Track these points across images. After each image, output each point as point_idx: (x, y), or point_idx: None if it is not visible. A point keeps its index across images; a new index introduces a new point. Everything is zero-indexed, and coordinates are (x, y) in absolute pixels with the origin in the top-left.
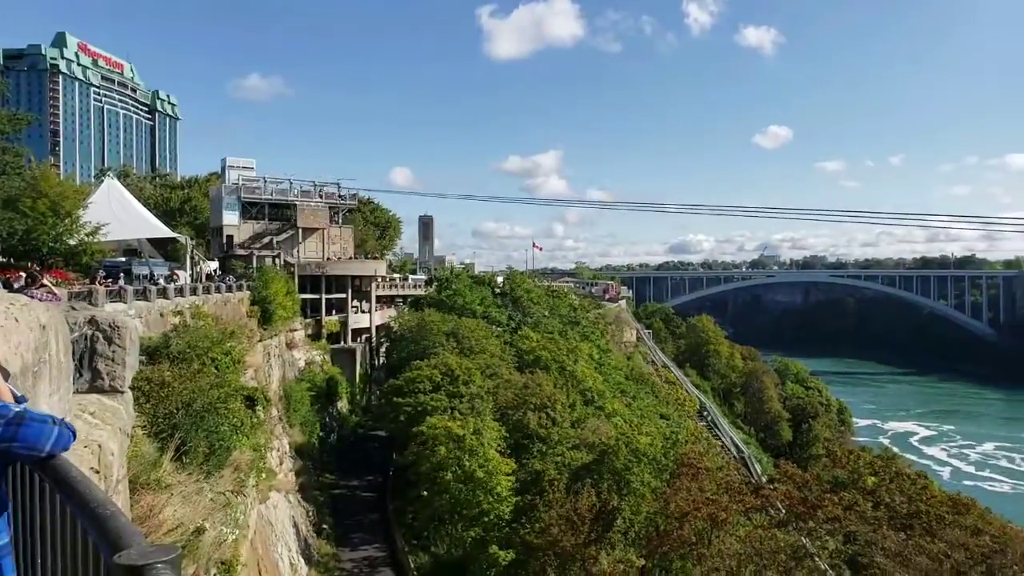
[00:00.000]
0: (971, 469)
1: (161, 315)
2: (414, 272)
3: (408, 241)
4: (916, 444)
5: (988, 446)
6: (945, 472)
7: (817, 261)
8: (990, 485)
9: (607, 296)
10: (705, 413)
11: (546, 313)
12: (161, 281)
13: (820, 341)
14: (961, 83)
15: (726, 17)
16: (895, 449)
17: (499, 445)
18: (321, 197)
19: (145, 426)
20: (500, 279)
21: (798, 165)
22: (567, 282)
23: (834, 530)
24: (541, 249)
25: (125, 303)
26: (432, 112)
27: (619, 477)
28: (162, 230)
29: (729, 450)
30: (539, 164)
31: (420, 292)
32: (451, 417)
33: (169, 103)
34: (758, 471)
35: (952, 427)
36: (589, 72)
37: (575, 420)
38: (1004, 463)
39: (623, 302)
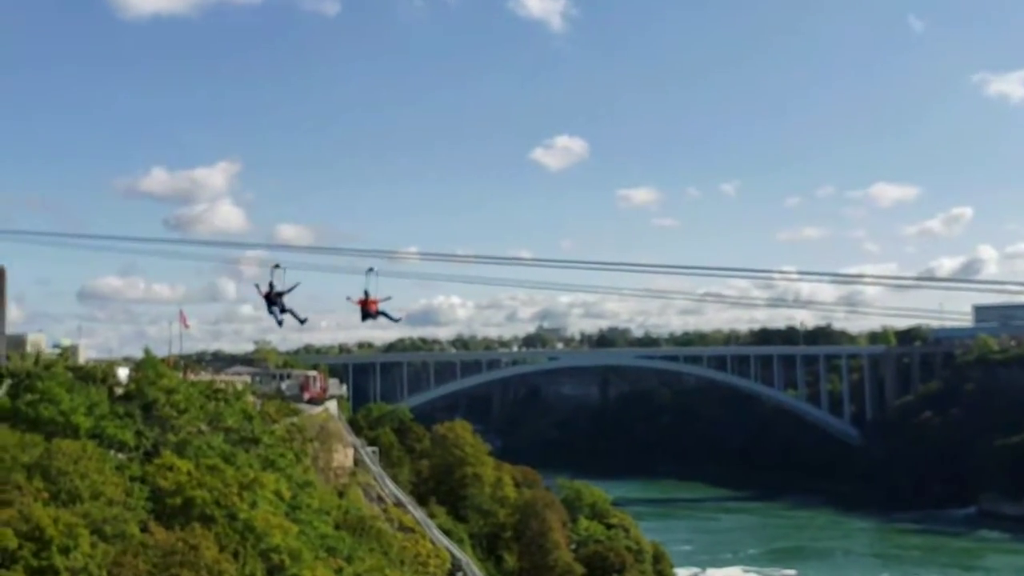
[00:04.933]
0: None
1: None
2: None
3: None
4: None
5: None
6: None
7: (619, 335)
8: None
9: (307, 395)
10: (460, 574)
11: (203, 427)
12: None
13: (626, 454)
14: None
15: None
16: None
17: None
18: None
19: None
20: (123, 372)
21: (596, 192)
22: (240, 373)
23: None
24: (188, 327)
25: None
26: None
27: None
28: None
29: None
30: (200, 182)
31: None
32: None
33: None
34: None
35: (806, 573)
36: (289, 45)
37: None
38: None
39: (333, 403)
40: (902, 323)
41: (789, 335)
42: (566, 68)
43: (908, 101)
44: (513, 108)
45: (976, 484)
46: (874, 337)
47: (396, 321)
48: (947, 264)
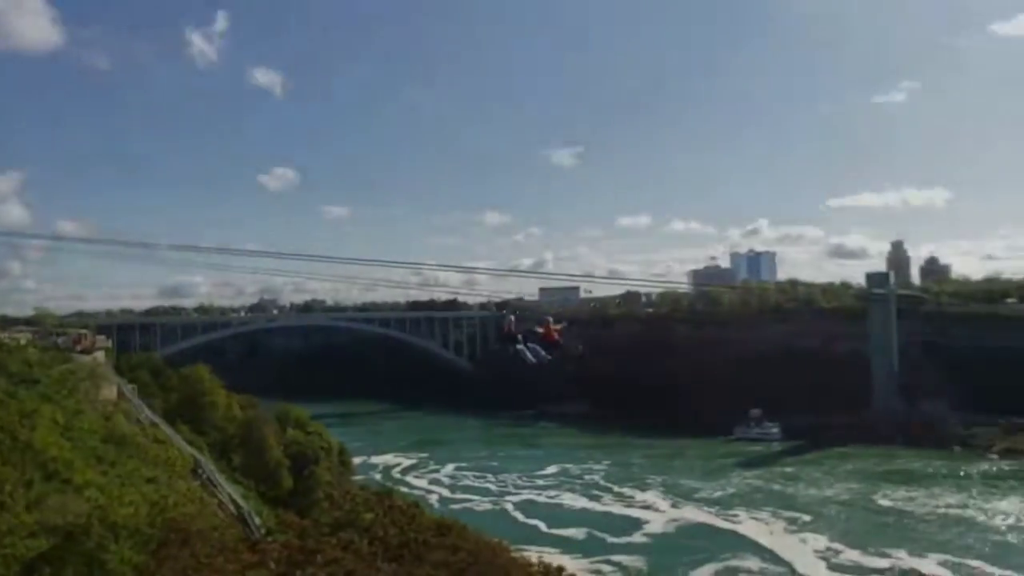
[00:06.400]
0: (454, 493)
1: None
2: None
3: None
4: (400, 475)
5: (467, 470)
6: (434, 499)
7: (318, 305)
8: (473, 505)
9: (78, 347)
10: (200, 471)
11: None
12: None
13: (322, 384)
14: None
15: (230, 53)
16: (388, 484)
17: None
18: None
19: None
20: None
21: (305, 207)
22: (24, 331)
23: (334, 572)
24: None
25: None
26: None
27: (91, 559)
28: None
29: (227, 507)
30: None
31: None
32: None
33: None
34: (257, 524)
35: (436, 455)
36: (67, 86)
37: (32, 501)
38: (479, 483)
39: (100, 353)
40: (499, 298)
41: (431, 305)
42: (283, 119)
43: (502, 175)
44: (247, 146)
45: (538, 395)
46: (482, 306)
47: (534, 361)
48: (526, 262)
